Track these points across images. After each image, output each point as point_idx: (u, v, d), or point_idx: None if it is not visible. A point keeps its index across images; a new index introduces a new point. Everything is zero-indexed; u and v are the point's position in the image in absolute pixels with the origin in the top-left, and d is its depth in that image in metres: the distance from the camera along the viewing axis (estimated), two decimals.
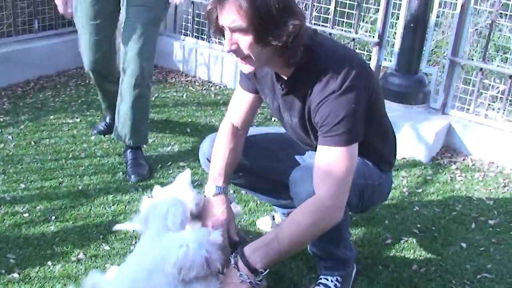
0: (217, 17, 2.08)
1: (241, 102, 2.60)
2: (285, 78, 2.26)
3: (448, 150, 4.11)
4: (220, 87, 5.12)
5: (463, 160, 4.00)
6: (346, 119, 2.10)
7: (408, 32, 4.15)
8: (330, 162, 2.13)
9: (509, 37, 4.40)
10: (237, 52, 2.10)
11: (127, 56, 3.30)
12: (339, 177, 2.13)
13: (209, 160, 2.60)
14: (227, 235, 2.36)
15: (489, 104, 4.21)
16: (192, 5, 5.30)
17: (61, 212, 3.05)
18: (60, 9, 3.40)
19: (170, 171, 3.56)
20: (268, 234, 2.16)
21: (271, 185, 2.78)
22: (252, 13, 1.97)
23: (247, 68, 2.17)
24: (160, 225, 2.18)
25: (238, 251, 2.13)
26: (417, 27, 4.11)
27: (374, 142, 2.43)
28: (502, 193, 3.59)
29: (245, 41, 2.04)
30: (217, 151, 2.55)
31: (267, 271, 2.11)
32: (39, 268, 2.62)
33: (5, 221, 2.93)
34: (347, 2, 4.64)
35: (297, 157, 2.74)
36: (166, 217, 2.18)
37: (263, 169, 2.72)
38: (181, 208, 2.22)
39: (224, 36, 2.11)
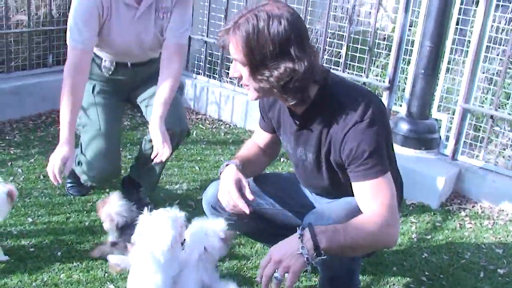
0: None
1: (260, 141, 2.71)
2: (299, 113, 2.30)
3: (458, 196, 4.08)
4: (230, 125, 5.14)
5: (473, 207, 3.97)
6: (377, 150, 2.13)
7: (419, 78, 4.17)
8: (374, 192, 2.15)
9: None
10: (241, 79, 2.22)
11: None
12: (389, 202, 2.14)
13: (214, 208, 2.59)
14: (241, 193, 2.34)
15: (499, 152, 4.20)
16: (205, 44, 5.38)
17: (67, 248, 3.04)
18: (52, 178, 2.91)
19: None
20: (336, 225, 2.08)
21: (278, 229, 2.77)
22: (246, 52, 2.08)
23: (250, 96, 2.25)
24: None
25: (307, 225, 2.07)
26: (428, 73, 4.13)
27: None
28: (511, 241, 3.55)
29: (244, 72, 2.16)
30: (245, 145, 2.73)
31: (323, 256, 2.00)
32: None
33: (11, 255, 2.91)
34: (359, 46, 4.69)
35: (308, 197, 2.73)
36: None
37: (273, 211, 2.71)
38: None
39: None
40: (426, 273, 3.11)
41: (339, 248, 2.04)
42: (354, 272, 2.35)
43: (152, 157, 2.92)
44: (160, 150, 2.86)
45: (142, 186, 3.48)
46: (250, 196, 2.34)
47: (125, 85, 3.33)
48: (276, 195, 2.73)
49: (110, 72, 3.25)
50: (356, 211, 2.18)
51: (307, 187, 2.64)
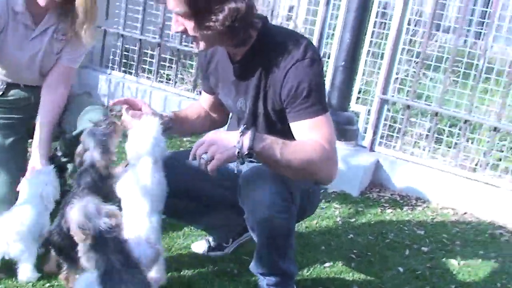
0: None
1: (204, 103, 2.70)
2: (238, 59, 2.30)
3: (377, 185, 4.17)
4: None
5: (391, 195, 4.07)
6: (317, 89, 2.16)
7: (339, 70, 4.23)
8: (314, 130, 2.15)
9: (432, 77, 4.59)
10: (186, 33, 2.18)
11: None
12: (330, 138, 2.15)
13: None
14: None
15: (415, 142, 4.33)
16: (121, 38, 5.22)
17: None
18: None
19: None
20: (279, 139, 2.05)
21: (205, 207, 2.69)
22: (188, 2, 2.06)
23: (199, 47, 2.22)
24: None
25: (251, 127, 2.05)
26: (347, 65, 4.21)
27: None
28: (431, 224, 3.66)
29: (188, 25, 2.14)
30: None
31: (252, 159, 2.02)
32: None
33: None
34: None
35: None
36: None
37: (196, 188, 2.62)
38: None
39: None
40: (354, 251, 3.13)
41: (271, 161, 2.04)
42: (291, 233, 2.32)
43: None
44: None
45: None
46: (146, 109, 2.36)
47: (20, 110, 3.00)
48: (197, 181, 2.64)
49: (0, 92, 2.96)
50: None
51: None
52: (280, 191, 2.20)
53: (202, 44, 2.22)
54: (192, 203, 2.66)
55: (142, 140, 2.25)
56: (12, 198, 2.64)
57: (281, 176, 2.20)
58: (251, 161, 2.04)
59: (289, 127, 2.23)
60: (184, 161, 2.59)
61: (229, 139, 1.99)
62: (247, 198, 2.24)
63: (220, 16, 2.06)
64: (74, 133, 2.82)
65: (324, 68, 4.54)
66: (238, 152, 1.97)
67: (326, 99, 2.30)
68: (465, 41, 4.76)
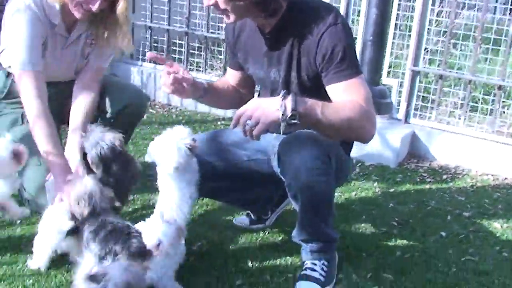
0: None
1: (231, 79, 2.71)
2: (269, 30, 2.33)
3: (414, 156, 4.15)
4: (180, 109, 5.05)
5: (429, 165, 4.04)
6: (351, 52, 2.21)
7: (368, 45, 4.22)
8: (351, 91, 2.19)
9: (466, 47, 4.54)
10: (216, 6, 2.20)
11: None
12: (367, 97, 2.20)
13: None
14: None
15: (450, 112, 4.29)
16: (149, 30, 5.29)
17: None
18: None
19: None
20: (318, 101, 2.08)
21: (239, 184, 2.72)
22: None
23: (230, 19, 2.26)
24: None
25: (291, 92, 2.11)
26: (376, 39, 4.19)
27: None
28: (471, 191, 3.63)
29: None
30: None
31: (296, 121, 2.01)
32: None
33: None
34: None
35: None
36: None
37: (229, 166, 2.64)
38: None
39: None
40: (396, 219, 3.12)
41: (314, 121, 2.06)
42: (332, 197, 2.36)
43: None
44: None
45: None
46: (187, 75, 2.35)
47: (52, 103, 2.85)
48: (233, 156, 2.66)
49: None
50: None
51: None
52: (319, 154, 2.23)
53: (232, 17, 2.24)
54: (226, 182, 2.69)
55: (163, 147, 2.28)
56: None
57: (318, 140, 2.24)
58: (294, 124, 2.04)
59: (323, 94, 2.24)
60: (216, 141, 2.65)
61: (272, 104, 2.02)
62: (287, 165, 2.26)
63: None
64: (113, 112, 2.88)
65: None
66: (282, 115, 1.98)
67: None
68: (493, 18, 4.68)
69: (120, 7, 2.63)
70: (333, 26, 2.19)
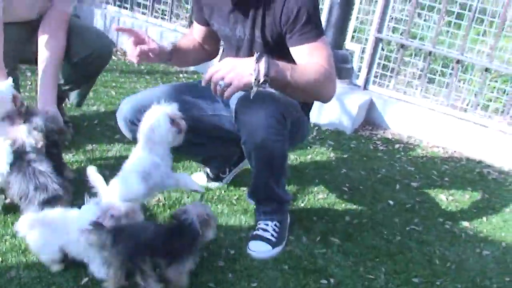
0: None
1: (197, 35, 2.72)
2: None
3: (369, 123, 4.26)
4: None
5: (383, 133, 4.16)
6: (315, 14, 2.26)
7: (334, 8, 4.24)
8: (314, 53, 2.25)
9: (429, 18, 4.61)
10: None
11: None
12: (328, 59, 2.26)
13: (131, 122, 2.50)
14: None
15: (408, 82, 4.39)
16: None
17: None
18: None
19: (98, 129, 3.45)
20: (287, 64, 2.16)
21: (202, 138, 2.74)
22: None
23: None
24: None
25: (264, 54, 2.11)
26: (343, 2, 4.22)
27: None
28: (421, 162, 3.76)
29: None
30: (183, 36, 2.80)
31: (267, 84, 2.08)
32: None
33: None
34: None
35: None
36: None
37: (194, 119, 2.66)
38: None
39: None
40: (347, 184, 3.24)
41: (283, 84, 2.14)
42: (285, 157, 2.44)
43: None
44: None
45: (68, 98, 3.34)
46: (152, 45, 2.35)
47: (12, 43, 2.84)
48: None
49: None
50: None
51: None
52: (275, 114, 2.27)
53: None
54: (189, 134, 2.72)
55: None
56: None
57: (275, 99, 2.29)
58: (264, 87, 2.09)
59: (286, 54, 2.29)
60: (182, 93, 2.66)
61: (246, 67, 2.05)
62: (244, 122, 2.30)
63: None
64: (79, 58, 2.88)
65: (320, 6, 4.56)
66: (255, 79, 2.03)
67: None
68: None
69: None
70: None
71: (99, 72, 3.22)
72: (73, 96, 3.28)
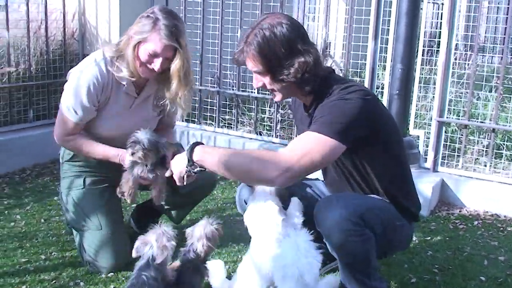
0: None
1: None
2: (307, 105, 2.64)
3: (444, 204, 4.33)
4: None
5: (459, 211, 4.22)
6: (334, 118, 2.36)
7: (394, 99, 4.45)
8: (307, 140, 2.38)
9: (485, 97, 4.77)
10: (265, 87, 2.57)
11: None
12: (297, 150, 2.36)
13: (246, 202, 2.75)
14: None
15: (476, 159, 4.49)
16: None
17: (89, 277, 3.06)
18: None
19: None
20: (220, 148, 2.56)
21: None
22: (262, 61, 2.45)
23: (277, 98, 2.62)
24: None
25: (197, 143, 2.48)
26: (401, 93, 4.42)
27: (394, 184, 2.70)
28: (503, 235, 3.80)
29: (266, 80, 2.52)
30: None
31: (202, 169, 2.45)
32: None
33: None
34: None
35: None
36: None
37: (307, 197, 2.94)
38: None
39: None
40: (436, 265, 3.30)
41: (211, 167, 2.41)
42: (369, 255, 2.47)
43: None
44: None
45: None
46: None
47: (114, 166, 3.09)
48: None
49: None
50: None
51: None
52: (350, 216, 2.37)
53: (278, 95, 2.59)
54: None
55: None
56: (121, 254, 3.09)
57: (354, 202, 2.44)
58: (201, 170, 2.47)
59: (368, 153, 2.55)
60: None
61: (181, 159, 2.48)
62: (321, 225, 2.44)
63: (292, 70, 2.43)
64: (189, 190, 2.95)
65: (379, 98, 4.79)
66: (187, 166, 2.45)
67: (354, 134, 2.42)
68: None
69: (175, 64, 2.87)
70: (333, 101, 2.42)
71: (202, 199, 3.52)
72: (173, 213, 3.51)
